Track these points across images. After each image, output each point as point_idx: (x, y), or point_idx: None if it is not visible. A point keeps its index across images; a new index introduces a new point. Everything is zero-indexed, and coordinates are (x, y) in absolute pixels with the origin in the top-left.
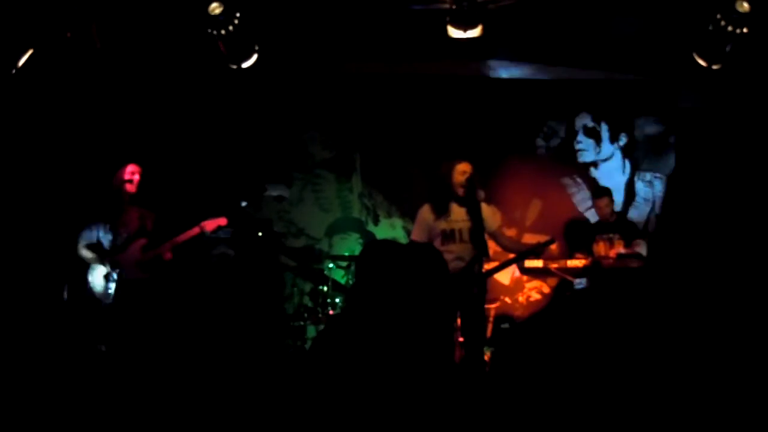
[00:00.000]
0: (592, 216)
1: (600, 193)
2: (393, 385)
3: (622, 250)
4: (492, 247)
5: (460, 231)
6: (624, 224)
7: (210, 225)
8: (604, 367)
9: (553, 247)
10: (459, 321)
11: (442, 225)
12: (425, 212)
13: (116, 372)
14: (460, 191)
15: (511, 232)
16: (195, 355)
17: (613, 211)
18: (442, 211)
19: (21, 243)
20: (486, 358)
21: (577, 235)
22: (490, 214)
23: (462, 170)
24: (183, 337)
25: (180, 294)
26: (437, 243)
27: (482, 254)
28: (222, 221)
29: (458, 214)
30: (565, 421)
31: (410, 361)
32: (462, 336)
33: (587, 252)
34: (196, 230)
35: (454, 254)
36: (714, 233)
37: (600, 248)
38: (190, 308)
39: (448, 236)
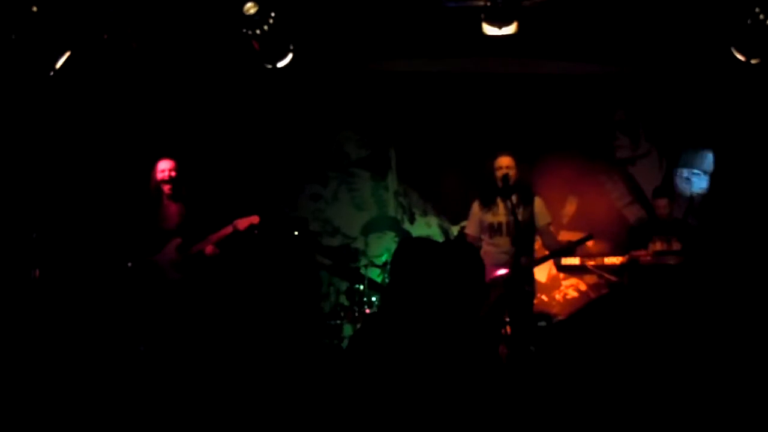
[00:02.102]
0: (629, 213)
1: (660, 193)
2: (430, 383)
3: None
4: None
5: (507, 224)
6: (684, 227)
7: (243, 223)
8: (643, 366)
9: (590, 243)
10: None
11: (489, 218)
12: (475, 206)
13: (155, 371)
14: (499, 184)
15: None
16: (233, 355)
17: (671, 212)
18: (488, 204)
19: (61, 242)
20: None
21: (634, 232)
22: (540, 209)
23: (498, 164)
24: (220, 336)
25: (216, 293)
26: (486, 236)
27: (524, 248)
28: (254, 219)
29: (503, 207)
30: (608, 418)
31: (447, 358)
32: (509, 331)
33: (644, 250)
34: (229, 229)
35: (501, 248)
36: (755, 232)
37: (657, 248)
38: (226, 308)
39: (495, 229)
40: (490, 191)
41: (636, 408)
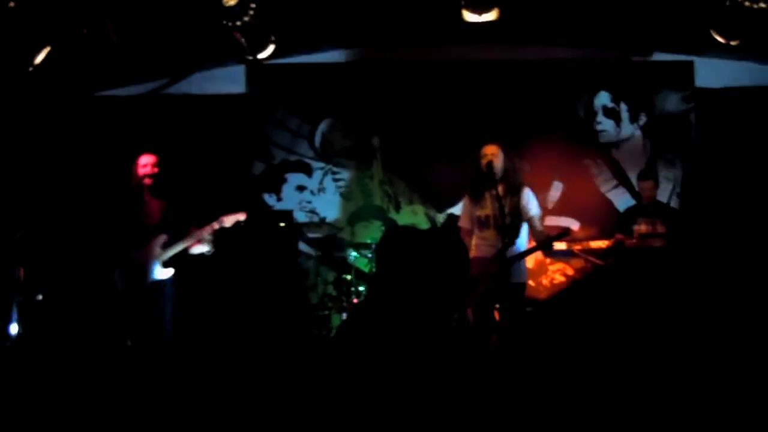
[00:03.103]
0: (614, 197)
1: (645, 175)
2: (418, 372)
3: None
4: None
5: (494, 217)
6: (668, 210)
7: (229, 220)
8: (626, 346)
9: (576, 228)
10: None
11: (478, 212)
12: (466, 200)
13: (143, 365)
14: (484, 174)
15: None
16: (221, 348)
17: (656, 195)
18: (477, 197)
19: (45, 240)
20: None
21: (622, 217)
22: (527, 200)
23: (483, 153)
24: (208, 330)
25: (202, 288)
26: (476, 230)
27: (511, 240)
28: (241, 216)
29: (489, 199)
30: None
31: (434, 348)
32: (498, 320)
33: (628, 233)
34: (215, 225)
35: (488, 241)
36: (733, 213)
37: (642, 230)
38: (213, 302)
39: (484, 223)
40: (478, 184)
41: (620, 389)
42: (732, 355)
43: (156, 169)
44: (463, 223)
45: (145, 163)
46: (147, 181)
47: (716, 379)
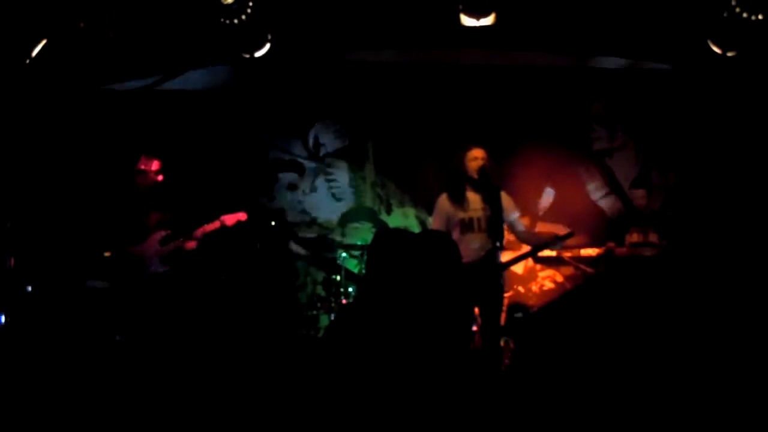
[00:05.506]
0: (605, 205)
1: (638, 183)
2: (405, 374)
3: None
4: (505, 236)
5: (478, 220)
6: (661, 219)
7: (230, 219)
8: (618, 357)
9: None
10: (477, 310)
11: (461, 214)
12: (443, 201)
13: (132, 362)
14: (474, 176)
15: (524, 221)
16: (209, 345)
17: (649, 204)
18: (459, 200)
19: (39, 236)
20: (501, 345)
21: (612, 225)
22: (508, 202)
23: (474, 156)
24: (197, 327)
25: (194, 284)
26: (456, 232)
27: (500, 244)
28: (242, 216)
29: (475, 202)
30: (582, 411)
31: (422, 350)
32: (480, 325)
33: (620, 242)
34: (216, 224)
35: (474, 243)
36: (728, 224)
37: (634, 239)
38: (204, 298)
39: (468, 226)
40: (459, 185)
41: (610, 394)
42: (723, 364)
43: (161, 177)
44: (437, 226)
45: (149, 167)
46: (150, 182)
47: (706, 385)
